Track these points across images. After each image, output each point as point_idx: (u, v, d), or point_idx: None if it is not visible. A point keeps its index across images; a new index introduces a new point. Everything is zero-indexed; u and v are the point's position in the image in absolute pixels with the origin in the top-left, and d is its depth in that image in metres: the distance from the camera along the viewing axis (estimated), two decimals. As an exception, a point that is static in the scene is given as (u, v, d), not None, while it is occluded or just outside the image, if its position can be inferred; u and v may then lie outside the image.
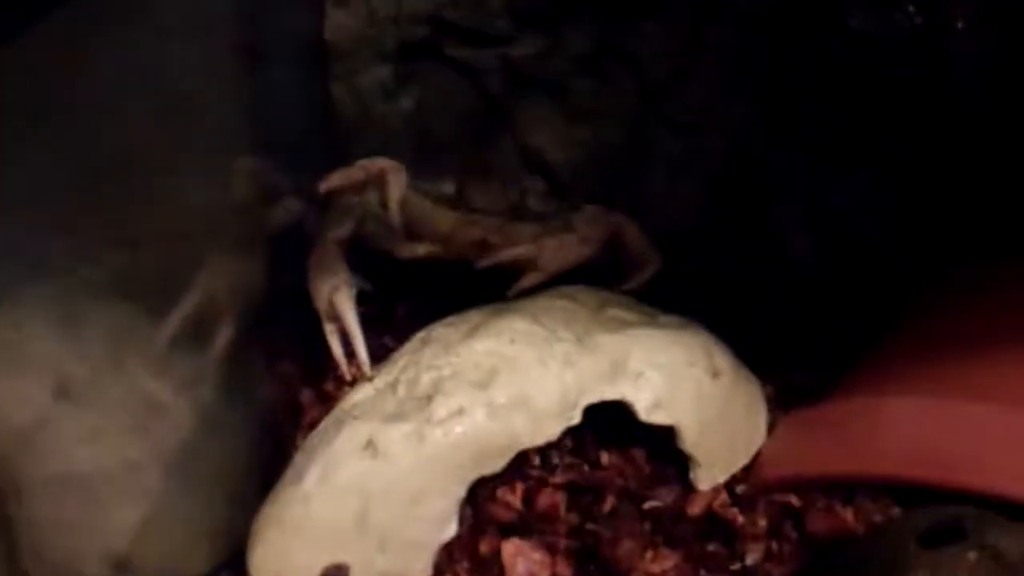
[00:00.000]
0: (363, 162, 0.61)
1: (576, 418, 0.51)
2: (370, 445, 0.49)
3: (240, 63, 0.61)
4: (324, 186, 0.59)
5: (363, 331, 0.60)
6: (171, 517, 0.51)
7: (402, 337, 0.62)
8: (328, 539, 0.49)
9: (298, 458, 0.52)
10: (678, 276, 0.64)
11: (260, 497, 0.53)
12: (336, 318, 0.58)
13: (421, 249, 0.64)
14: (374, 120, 0.67)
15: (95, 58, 0.51)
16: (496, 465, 0.50)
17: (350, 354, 0.57)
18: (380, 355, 0.61)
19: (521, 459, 0.53)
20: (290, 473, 0.52)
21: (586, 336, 0.53)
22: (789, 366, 0.61)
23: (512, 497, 0.56)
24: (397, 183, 0.62)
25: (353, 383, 0.57)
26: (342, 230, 0.61)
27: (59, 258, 0.52)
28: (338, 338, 0.58)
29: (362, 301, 0.64)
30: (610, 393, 0.52)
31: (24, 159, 0.47)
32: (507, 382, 0.50)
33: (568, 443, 0.58)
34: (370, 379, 0.54)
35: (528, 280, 0.60)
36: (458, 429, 0.49)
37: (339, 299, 0.58)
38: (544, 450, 0.57)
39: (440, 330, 0.55)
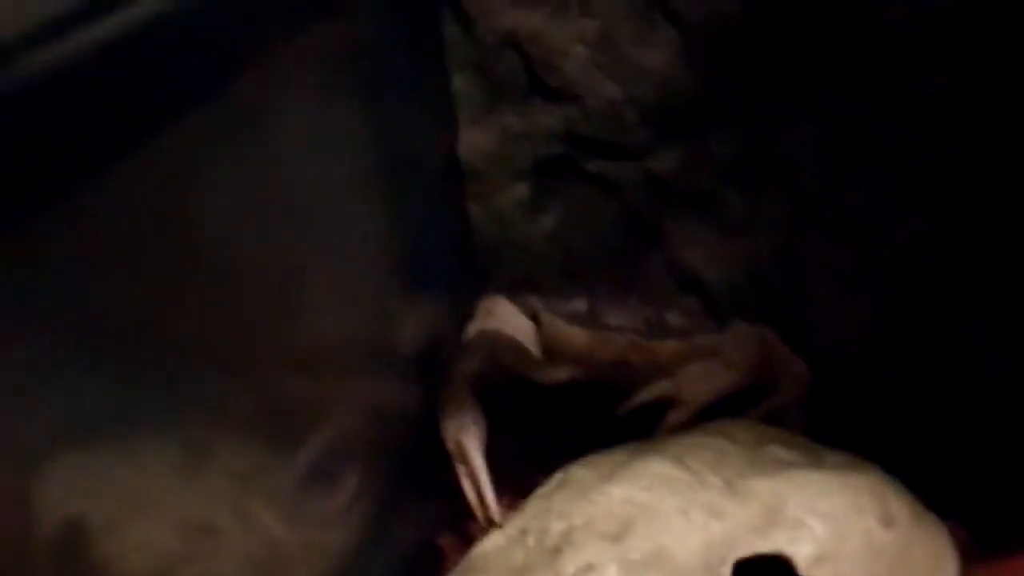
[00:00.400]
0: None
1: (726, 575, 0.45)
2: (487, 610, 0.45)
3: (376, 187, 0.59)
4: None
5: (508, 466, 0.57)
6: None
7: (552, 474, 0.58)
8: None
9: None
10: (848, 405, 0.57)
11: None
12: (465, 461, 0.55)
13: (562, 373, 0.60)
14: (515, 240, 0.64)
15: (218, 186, 0.49)
16: (632, 629, 0.45)
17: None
18: (527, 493, 0.57)
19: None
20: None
21: (738, 480, 0.47)
22: (984, 508, 0.54)
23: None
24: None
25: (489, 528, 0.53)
26: (471, 364, 0.58)
27: (184, 391, 0.50)
28: (470, 480, 0.55)
29: (511, 433, 0.61)
30: (763, 546, 0.46)
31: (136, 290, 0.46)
32: (643, 534, 0.45)
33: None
34: (500, 526, 0.50)
35: (673, 418, 0.55)
36: (588, 589, 0.44)
37: (467, 439, 0.55)
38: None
39: (578, 471, 0.51)
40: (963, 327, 0.58)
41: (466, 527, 0.59)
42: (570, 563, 0.45)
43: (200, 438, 0.50)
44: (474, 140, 0.62)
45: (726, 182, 0.59)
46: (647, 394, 0.56)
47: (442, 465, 0.60)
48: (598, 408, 0.61)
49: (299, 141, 0.52)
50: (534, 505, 0.50)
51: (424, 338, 0.62)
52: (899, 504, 0.49)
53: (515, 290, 0.63)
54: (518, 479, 0.61)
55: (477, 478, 0.56)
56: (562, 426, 0.64)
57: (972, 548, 0.52)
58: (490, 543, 0.49)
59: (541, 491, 0.51)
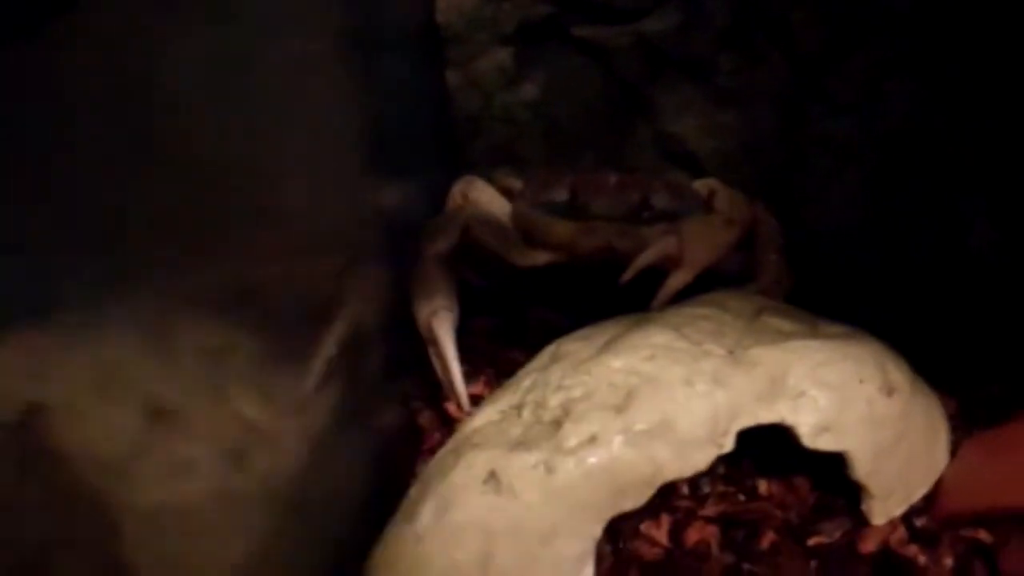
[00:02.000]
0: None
1: (728, 446, 0.45)
2: (492, 478, 0.43)
3: (347, 55, 0.56)
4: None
5: (488, 344, 0.55)
6: (274, 553, 0.46)
7: (532, 351, 0.56)
8: (446, 583, 0.43)
9: (413, 491, 0.47)
10: (842, 277, 0.56)
11: (375, 530, 0.48)
12: (436, 342, 0.53)
13: (541, 257, 0.58)
14: (496, 110, 0.61)
15: (187, 58, 0.46)
16: (636, 500, 0.44)
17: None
18: (509, 371, 0.56)
19: (668, 488, 0.46)
20: (403, 509, 0.46)
21: (740, 349, 0.46)
22: (974, 378, 0.53)
23: (657, 532, 0.49)
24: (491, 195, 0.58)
25: (514, 347, 0.56)
26: (443, 243, 0.56)
27: (151, 273, 0.47)
28: (441, 363, 0.53)
29: (490, 312, 0.59)
30: (767, 416, 0.45)
31: (103, 166, 0.42)
32: (647, 405, 0.44)
33: (721, 469, 0.51)
34: (468, 414, 0.49)
35: (676, 281, 0.54)
36: (591, 459, 0.43)
37: (436, 323, 0.53)
38: (693, 478, 0.50)
39: (571, 344, 0.49)
40: (957, 199, 0.57)
41: (445, 405, 0.58)
42: (572, 435, 0.43)
43: (171, 317, 0.48)
44: (453, 1, 0.59)
45: (722, 48, 0.57)
46: (650, 255, 0.55)
47: (418, 342, 0.58)
48: (576, 288, 0.59)
49: (267, 6, 0.49)
50: (526, 379, 0.48)
51: (400, 213, 0.60)
52: (898, 374, 0.48)
53: (495, 165, 0.60)
54: (494, 357, 0.60)
55: (447, 365, 0.55)
56: (539, 306, 0.62)
57: (963, 417, 0.52)
58: (482, 418, 0.47)
59: (532, 366, 0.50)
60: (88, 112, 0.36)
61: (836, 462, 0.47)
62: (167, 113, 0.44)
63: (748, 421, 0.45)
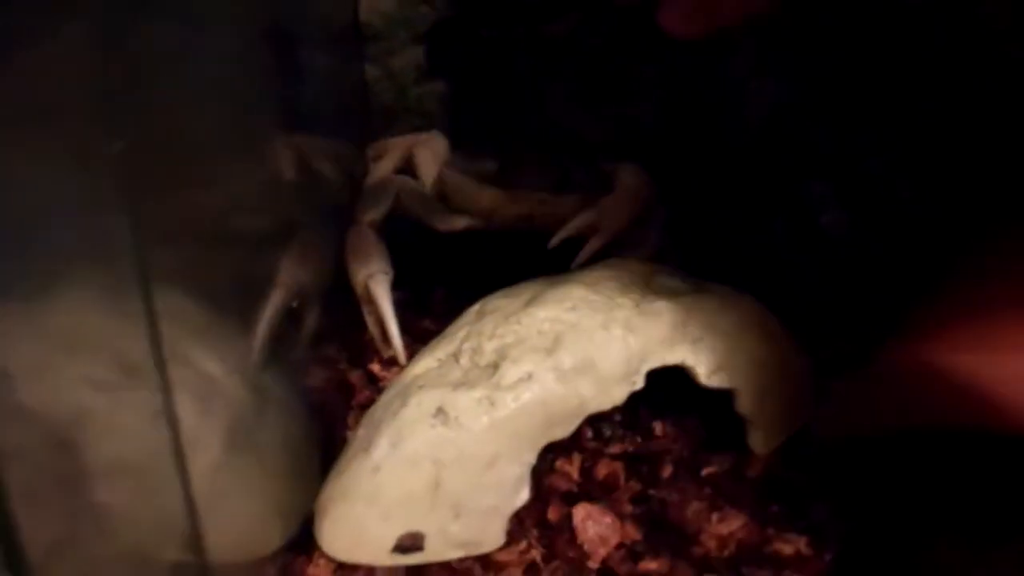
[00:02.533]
0: (396, 139, 0.62)
1: (640, 383, 0.52)
2: (440, 412, 0.49)
3: (273, 48, 0.60)
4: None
5: (401, 314, 0.61)
6: (239, 495, 0.50)
7: (441, 320, 0.62)
8: (401, 509, 0.49)
9: (361, 432, 0.52)
10: (711, 253, 0.65)
11: (320, 476, 0.53)
12: (371, 303, 0.58)
13: (461, 222, 0.64)
14: (410, 102, 0.67)
15: (122, 46, 0.50)
16: (565, 430, 0.50)
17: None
18: (422, 337, 0.61)
19: (574, 433, 0.53)
20: (354, 447, 0.51)
21: (644, 302, 0.53)
22: (830, 337, 0.62)
23: (570, 468, 0.56)
24: (430, 154, 0.63)
25: (425, 318, 0.61)
26: (377, 211, 0.61)
27: (106, 247, 0.51)
28: (375, 321, 0.59)
29: (398, 286, 0.65)
30: (671, 358, 0.52)
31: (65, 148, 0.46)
32: (572, 347, 0.50)
33: (618, 417, 0.58)
34: (401, 368, 0.55)
35: (593, 244, 0.61)
36: (527, 394, 0.49)
37: (374, 285, 0.59)
38: (595, 423, 0.58)
39: (496, 302, 0.55)
40: (809, 184, 0.66)
41: (368, 366, 0.63)
42: (510, 374, 0.50)
43: (123, 284, 0.52)
44: (375, 2, 0.65)
45: (608, 50, 0.65)
46: (577, 223, 0.62)
47: (338, 309, 0.63)
48: (486, 264, 0.65)
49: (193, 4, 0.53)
50: (460, 332, 0.54)
51: (324, 189, 0.65)
52: (775, 325, 0.56)
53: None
54: (408, 326, 0.65)
55: (387, 323, 0.60)
56: (452, 280, 0.68)
57: (824, 368, 0.60)
58: (421, 367, 0.53)
59: (461, 322, 0.56)
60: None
61: (724, 401, 0.54)
62: (114, 97, 0.48)
63: (656, 362, 0.52)
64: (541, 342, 0.51)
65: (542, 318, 0.52)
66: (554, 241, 0.62)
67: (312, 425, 0.57)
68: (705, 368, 0.53)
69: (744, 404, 0.54)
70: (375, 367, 0.62)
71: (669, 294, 0.55)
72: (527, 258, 0.62)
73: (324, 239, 0.62)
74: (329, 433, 0.58)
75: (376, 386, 0.61)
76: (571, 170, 0.64)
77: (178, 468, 0.49)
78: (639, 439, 0.58)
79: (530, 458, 0.50)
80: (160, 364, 0.50)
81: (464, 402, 0.49)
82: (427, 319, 0.66)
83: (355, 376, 0.62)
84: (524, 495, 0.50)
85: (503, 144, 0.65)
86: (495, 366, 0.50)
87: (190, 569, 0.50)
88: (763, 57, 0.63)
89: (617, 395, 0.51)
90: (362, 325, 0.64)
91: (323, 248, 0.61)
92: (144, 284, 0.50)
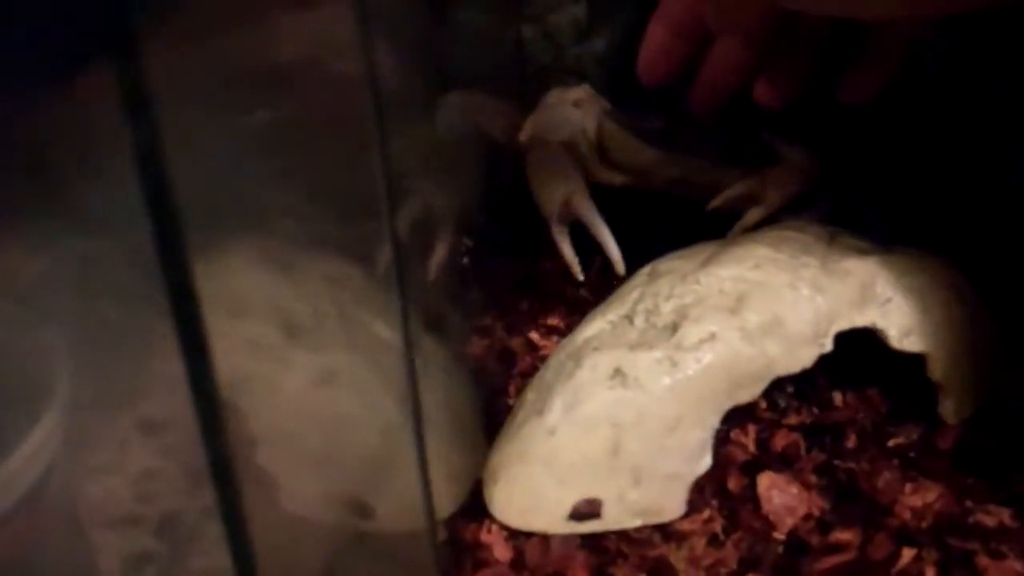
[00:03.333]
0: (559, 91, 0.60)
1: (828, 346, 0.49)
2: (618, 374, 0.47)
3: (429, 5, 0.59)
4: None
5: (556, 284, 0.59)
6: (410, 459, 0.49)
7: (598, 290, 0.60)
8: (578, 473, 0.47)
9: (530, 396, 0.50)
10: (889, 218, 0.61)
11: (485, 444, 0.51)
12: (568, 220, 0.57)
13: (618, 178, 0.62)
14: (568, 63, 0.65)
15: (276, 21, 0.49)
16: (750, 393, 0.48)
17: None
18: (579, 307, 0.60)
19: (747, 404, 0.50)
20: (524, 411, 0.50)
21: (830, 261, 0.50)
22: (1016, 302, 0.58)
23: (745, 439, 0.53)
24: (594, 106, 0.61)
25: (582, 286, 0.60)
26: (563, 133, 0.59)
27: (266, 213, 0.50)
28: (568, 241, 0.57)
29: (548, 256, 0.63)
30: (860, 320, 0.49)
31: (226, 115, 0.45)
32: (759, 306, 0.48)
33: (790, 388, 0.55)
34: (619, 276, 0.56)
35: (752, 216, 0.58)
36: (711, 355, 0.47)
37: (578, 200, 0.56)
38: (768, 394, 0.54)
39: (669, 263, 0.53)
40: (1001, 140, 0.62)
41: (528, 335, 0.61)
42: (692, 334, 0.47)
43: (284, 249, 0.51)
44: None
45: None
46: (740, 188, 0.59)
47: (495, 282, 0.62)
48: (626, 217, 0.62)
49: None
50: (629, 296, 0.52)
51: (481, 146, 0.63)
52: (966, 287, 0.53)
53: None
54: (562, 295, 0.63)
55: (600, 232, 0.58)
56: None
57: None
58: (592, 329, 0.51)
59: (630, 285, 0.53)
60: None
61: (906, 370, 0.51)
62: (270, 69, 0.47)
63: (844, 324, 0.49)
64: (723, 301, 0.48)
65: (724, 277, 0.49)
66: (715, 203, 0.60)
67: (475, 392, 0.56)
68: (897, 331, 0.49)
69: (936, 369, 0.50)
70: (534, 335, 0.60)
71: (855, 253, 0.52)
72: (678, 227, 0.60)
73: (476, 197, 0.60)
74: (491, 401, 0.56)
75: (537, 354, 0.59)
76: (736, 142, 0.61)
77: (352, 429, 0.48)
78: (816, 410, 0.55)
79: (714, 422, 0.47)
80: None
81: (643, 363, 0.47)
82: (582, 289, 0.64)
83: (515, 343, 0.60)
84: (707, 461, 0.48)
85: (665, 108, 0.63)
86: (674, 327, 0.48)
87: (361, 535, 0.49)
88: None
89: (805, 357, 0.48)
90: (522, 292, 0.62)
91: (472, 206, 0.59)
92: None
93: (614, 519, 0.47)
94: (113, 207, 0.43)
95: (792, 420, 0.54)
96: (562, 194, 0.58)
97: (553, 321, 0.61)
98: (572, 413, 0.47)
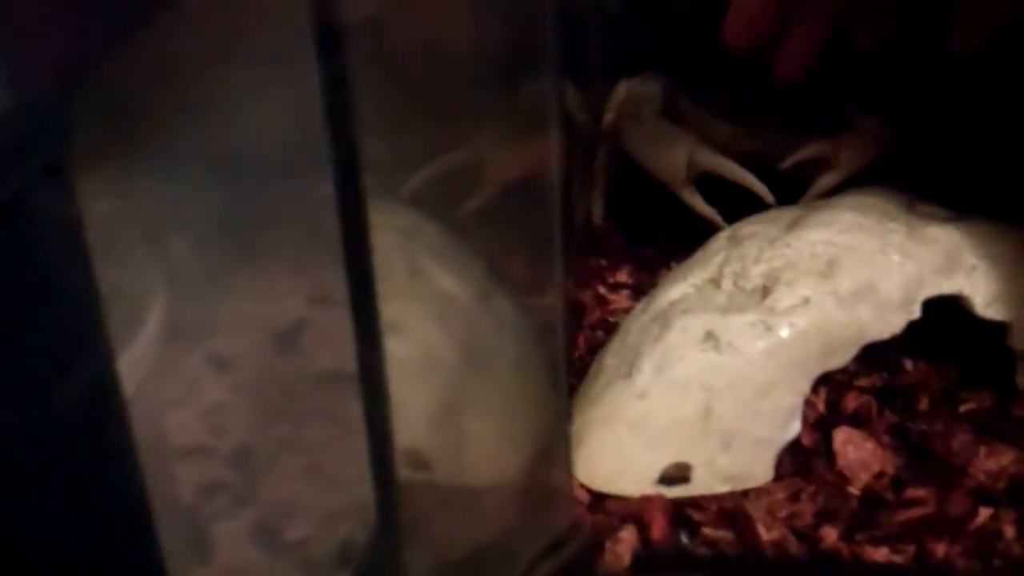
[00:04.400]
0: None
1: (917, 313, 0.49)
2: (710, 337, 0.47)
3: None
4: None
5: (624, 244, 0.59)
6: (471, 413, 0.48)
7: (666, 250, 0.60)
8: (668, 437, 0.47)
9: (609, 360, 0.50)
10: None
11: (555, 398, 0.51)
12: (693, 179, 0.57)
13: None
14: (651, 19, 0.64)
15: None
16: (842, 359, 0.48)
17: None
18: (647, 266, 0.59)
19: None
20: (607, 373, 0.49)
21: (915, 228, 0.50)
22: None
23: (815, 399, 0.53)
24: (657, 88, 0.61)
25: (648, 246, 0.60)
26: (652, 104, 0.59)
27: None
28: (700, 196, 0.58)
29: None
30: (948, 287, 0.49)
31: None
32: (851, 271, 0.48)
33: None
34: (771, 204, 0.56)
35: (826, 181, 0.58)
36: (805, 319, 0.47)
37: (702, 155, 0.57)
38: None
39: (750, 227, 0.52)
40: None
41: (597, 289, 0.61)
42: (784, 299, 0.47)
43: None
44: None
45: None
46: (810, 150, 0.58)
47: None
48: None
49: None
50: (712, 259, 0.51)
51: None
52: (1046, 255, 0.53)
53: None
54: (629, 253, 0.63)
55: (742, 174, 0.58)
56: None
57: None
58: (676, 292, 0.50)
59: (711, 248, 0.53)
60: None
61: (977, 342, 0.51)
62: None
63: (932, 291, 0.49)
64: (815, 265, 0.48)
65: (814, 241, 0.49)
66: (787, 163, 0.59)
67: (544, 344, 0.55)
68: (982, 298, 0.49)
69: (1018, 338, 0.50)
70: (603, 290, 0.60)
71: (937, 221, 0.52)
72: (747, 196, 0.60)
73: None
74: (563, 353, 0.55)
75: (606, 308, 0.59)
76: (810, 114, 0.60)
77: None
78: (886, 374, 0.55)
79: (805, 387, 0.47)
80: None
81: (736, 326, 0.47)
82: (650, 248, 0.63)
83: (586, 296, 0.59)
84: (796, 427, 0.48)
85: (738, 83, 0.62)
86: (764, 290, 0.48)
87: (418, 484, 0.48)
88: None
89: (896, 323, 0.48)
90: (588, 250, 0.62)
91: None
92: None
93: (703, 484, 0.47)
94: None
95: (863, 383, 0.54)
96: (684, 154, 0.58)
97: (620, 277, 0.61)
98: (663, 376, 0.47)
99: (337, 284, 0.32)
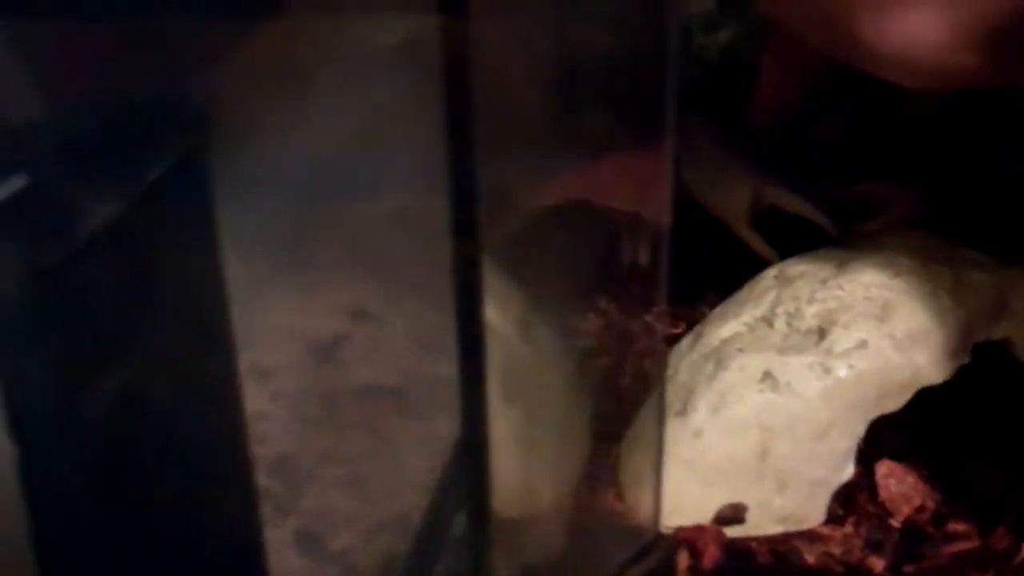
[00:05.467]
0: None
1: (967, 357, 0.49)
2: (768, 377, 0.47)
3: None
4: None
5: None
6: (511, 443, 0.48)
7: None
8: (724, 476, 0.47)
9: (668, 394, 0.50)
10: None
11: (593, 428, 0.51)
12: (753, 216, 0.57)
13: None
14: (691, 51, 0.65)
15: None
16: (897, 402, 0.48)
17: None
18: (685, 297, 0.59)
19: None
20: (662, 407, 0.49)
21: (962, 274, 0.51)
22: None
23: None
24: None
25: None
26: (711, 129, 0.59)
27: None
28: (762, 242, 0.58)
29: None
30: (996, 332, 0.50)
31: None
32: (906, 315, 0.48)
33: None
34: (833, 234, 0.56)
35: (871, 226, 0.58)
36: (863, 362, 0.47)
37: (770, 191, 0.57)
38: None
39: (800, 267, 0.53)
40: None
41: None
42: (842, 341, 0.47)
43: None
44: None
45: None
46: (864, 190, 0.59)
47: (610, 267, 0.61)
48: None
49: None
50: (763, 297, 0.51)
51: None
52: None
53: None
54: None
55: (805, 208, 0.58)
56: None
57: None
58: (727, 329, 0.50)
59: (759, 286, 0.53)
60: None
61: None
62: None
63: (981, 336, 0.49)
64: (870, 308, 0.48)
65: (867, 283, 0.49)
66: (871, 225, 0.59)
67: (584, 372, 0.55)
68: (1027, 344, 0.50)
69: (1058, 384, 0.51)
70: (647, 317, 0.60)
71: (979, 266, 0.52)
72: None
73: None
74: (606, 382, 0.55)
75: (652, 336, 0.58)
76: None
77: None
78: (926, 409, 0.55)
79: (860, 430, 0.47)
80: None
81: (794, 367, 0.47)
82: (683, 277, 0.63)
83: (635, 324, 0.59)
84: (850, 470, 0.48)
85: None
86: (820, 331, 0.48)
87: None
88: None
89: (948, 367, 0.48)
90: (634, 275, 0.61)
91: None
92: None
93: (757, 524, 0.47)
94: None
95: (902, 416, 0.54)
96: (748, 190, 0.58)
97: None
98: (719, 415, 0.47)
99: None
